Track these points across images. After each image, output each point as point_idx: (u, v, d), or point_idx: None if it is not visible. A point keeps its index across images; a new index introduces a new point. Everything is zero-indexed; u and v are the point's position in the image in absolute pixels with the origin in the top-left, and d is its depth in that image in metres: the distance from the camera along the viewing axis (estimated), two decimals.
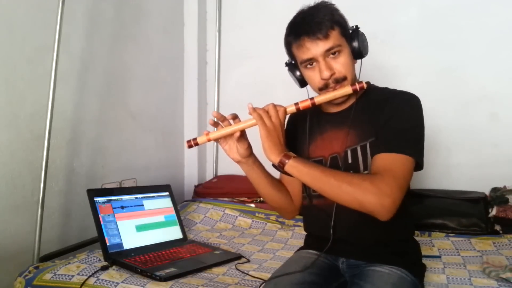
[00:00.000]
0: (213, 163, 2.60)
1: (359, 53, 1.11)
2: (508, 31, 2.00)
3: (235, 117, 1.12)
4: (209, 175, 2.60)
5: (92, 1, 1.87)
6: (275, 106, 1.06)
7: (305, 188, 1.22)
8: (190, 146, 1.13)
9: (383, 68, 2.02)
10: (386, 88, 1.17)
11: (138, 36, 2.17)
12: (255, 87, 2.48)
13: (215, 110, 2.57)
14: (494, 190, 1.92)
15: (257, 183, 1.21)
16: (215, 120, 1.13)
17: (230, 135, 1.11)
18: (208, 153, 2.62)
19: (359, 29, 1.12)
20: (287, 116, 1.16)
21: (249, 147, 1.15)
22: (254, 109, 1.06)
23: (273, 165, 1.28)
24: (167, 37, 2.41)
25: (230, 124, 1.12)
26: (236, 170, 2.46)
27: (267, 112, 1.05)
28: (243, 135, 1.12)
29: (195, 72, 2.52)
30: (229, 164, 2.55)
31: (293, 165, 1.02)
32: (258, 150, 1.15)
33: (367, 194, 0.95)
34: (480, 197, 1.90)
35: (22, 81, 1.57)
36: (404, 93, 1.12)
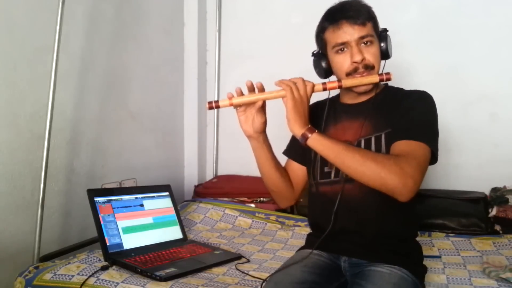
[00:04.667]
0: (213, 163, 2.60)
1: (385, 54, 1.16)
2: (508, 31, 2.00)
3: (261, 87, 1.12)
4: (209, 175, 2.60)
5: (92, 1, 1.87)
6: (304, 80, 1.08)
7: (313, 175, 1.22)
8: (210, 108, 1.11)
9: (383, 68, 2.01)
10: (402, 88, 1.21)
11: (138, 36, 2.17)
12: None
13: (215, 110, 2.57)
14: (494, 190, 1.92)
15: (261, 162, 1.21)
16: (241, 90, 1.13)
17: (252, 103, 1.11)
18: (208, 153, 2.62)
19: (388, 32, 1.17)
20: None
21: (265, 123, 1.15)
22: (283, 80, 1.07)
23: (284, 152, 1.31)
24: (167, 37, 2.41)
25: (255, 93, 1.11)
26: (236, 170, 2.48)
27: (296, 84, 1.06)
28: (263, 107, 1.12)
29: (195, 72, 2.52)
30: (229, 164, 2.58)
31: (316, 138, 1.02)
32: (270, 132, 1.16)
33: (391, 172, 0.95)
34: (480, 197, 1.90)
35: (22, 81, 1.57)
36: (420, 91, 1.16)
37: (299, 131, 1.03)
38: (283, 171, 1.28)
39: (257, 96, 1.10)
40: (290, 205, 1.33)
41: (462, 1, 2.07)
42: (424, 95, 1.14)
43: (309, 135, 1.02)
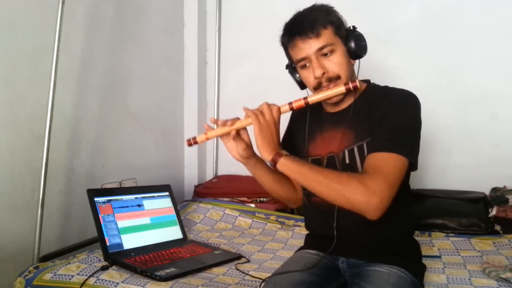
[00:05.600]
0: (213, 163, 2.60)
1: (355, 53, 1.10)
2: (508, 31, 2.00)
3: (235, 120, 1.13)
4: (209, 175, 2.60)
5: (92, 1, 1.87)
6: (268, 105, 1.08)
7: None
8: (190, 145, 1.17)
9: (383, 69, 2.02)
10: (386, 87, 1.17)
11: (138, 36, 2.17)
12: (255, 87, 2.49)
13: (215, 110, 2.58)
14: (494, 190, 1.92)
15: (260, 181, 1.24)
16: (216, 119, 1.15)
17: (228, 134, 1.12)
18: (208, 153, 2.62)
19: (356, 29, 1.12)
20: (290, 114, 1.17)
21: (248, 148, 1.15)
22: (248, 109, 1.08)
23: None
24: (167, 37, 2.41)
25: (226, 125, 1.13)
26: (236, 170, 2.47)
27: (261, 111, 1.07)
28: (240, 135, 1.13)
29: (195, 72, 2.52)
30: (229, 164, 2.58)
31: (284, 163, 1.04)
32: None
33: (355, 192, 0.95)
34: (480, 197, 1.90)
35: (22, 81, 1.57)
36: (401, 91, 1.11)
37: (267, 157, 1.05)
38: (284, 179, 1.27)
39: (228, 128, 1.11)
40: (300, 205, 1.34)
41: (462, 1, 2.07)
42: (402, 96, 1.09)
43: (278, 159, 1.04)
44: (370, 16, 2.14)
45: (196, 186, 2.40)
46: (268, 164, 1.07)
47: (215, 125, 1.16)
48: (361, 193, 0.95)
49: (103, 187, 1.89)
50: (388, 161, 1.00)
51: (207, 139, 1.15)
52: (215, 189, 2.28)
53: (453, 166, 2.09)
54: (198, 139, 1.15)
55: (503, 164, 1.99)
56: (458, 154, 2.09)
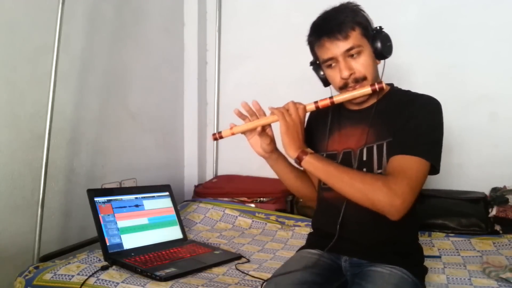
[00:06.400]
0: (213, 163, 2.60)
1: (381, 54, 1.12)
2: (508, 31, 2.00)
3: (257, 105, 1.16)
4: (209, 175, 2.60)
5: (92, 1, 1.87)
6: (294, 103, 1.10)
7: (320, 181, 1.24)
8: (215, 139, 1.20)
9: (380, 68, 2.01)
10: (409, 91, 1.18)
11: (138, 36, 2.17)
12: (255, 87, 2.48)
13: (215, 110, 2.58)
14: (494, 190, 1.92)
15: (281, 176, 1.28)
16: (242, 112, 1.18)
17: (253, 129, 1.15)
18: (208, 153, 2.62)
19: (383, 29, 1.14)
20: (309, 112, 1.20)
21: (272, 143, 1.19)
22: (274, 107, 1.11)
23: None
24: (167, 37, 2.41)
25: (253, 119, 1.16)
26: (236, 170, 2.48)
27: (288, 109, 1.09)
28: (265, 130, 1.16)
29: (195, 72, 2.52)
30: (229, 164, 2.58)
31: (309, 161, 1.06)
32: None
33: (378, 193, 0.98)
34: (480, 197, 1.90)
35: (22, 81, 1.57)
36: (425, 96, 1.13)
37: (293, 155, 1.08)
38: (305, 177, 1.30)
39: (254, 123, 1.15)
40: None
41: (462, 1, 2.06)
42: (428, 102, 1.11)
43: (303, 157, 1.06)
44: (370, 16, 2.14)
45: (196, 186, 2.40)
46: (293, 161, 1.10)
47: (243, 119, 1.17)
48: (385, 195, 0.97)
49: (103, 187, 1.89)
50: (413, 164, 1.02)
51: (233, 134, 1.18)
52: (215, 189, 2.28)
53: (453, 166, 2.08)
54: (223, 134, 1.18)
55: (503, 164, 1.99)
56: (458, 154, 2.08)
